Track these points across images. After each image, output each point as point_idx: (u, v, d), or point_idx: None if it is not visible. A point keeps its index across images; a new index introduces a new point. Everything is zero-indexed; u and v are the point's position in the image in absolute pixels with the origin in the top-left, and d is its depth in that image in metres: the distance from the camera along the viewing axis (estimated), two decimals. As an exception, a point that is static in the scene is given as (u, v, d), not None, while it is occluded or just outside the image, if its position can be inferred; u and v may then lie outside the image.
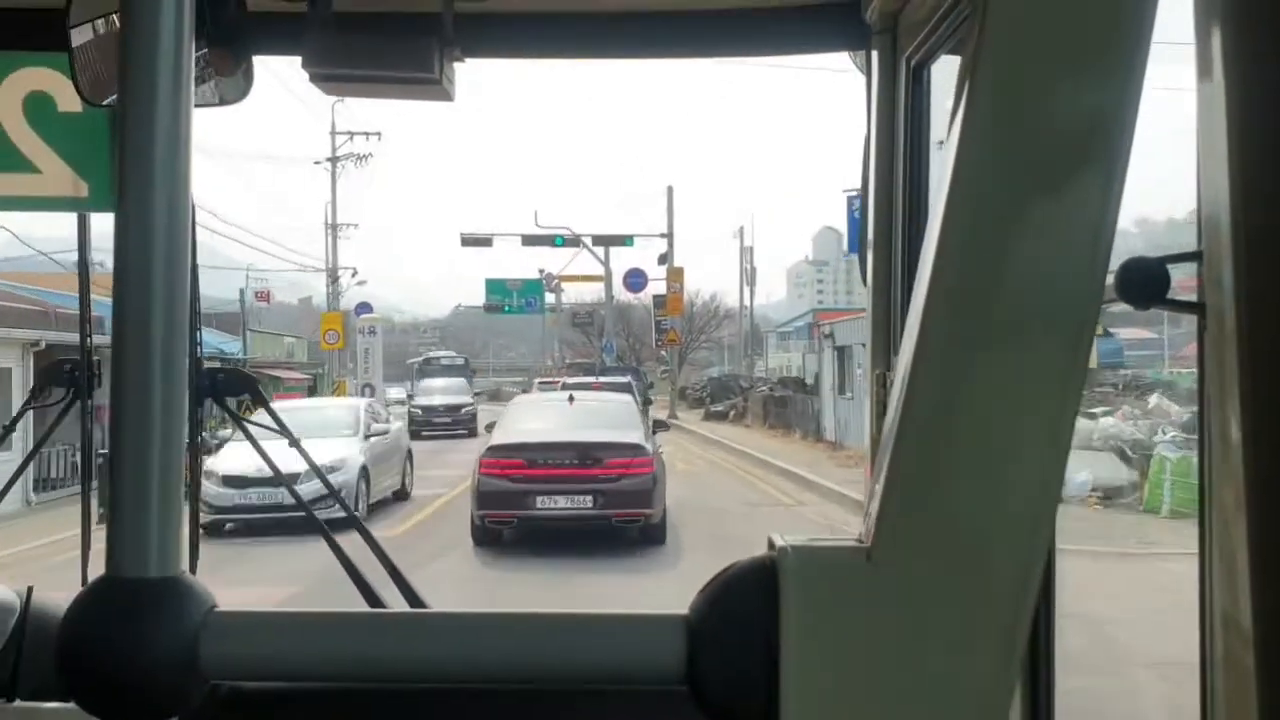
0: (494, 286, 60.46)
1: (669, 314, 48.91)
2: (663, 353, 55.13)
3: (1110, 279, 1.35)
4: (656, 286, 51.70)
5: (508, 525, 15.64)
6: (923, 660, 1.24)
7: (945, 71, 2.11)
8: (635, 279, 51.44)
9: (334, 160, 59.92)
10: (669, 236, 51.08)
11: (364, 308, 70.01)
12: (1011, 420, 1.24)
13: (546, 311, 69.87)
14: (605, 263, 55.38)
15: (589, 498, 15.34)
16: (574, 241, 48.96)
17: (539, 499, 15.28)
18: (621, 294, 67.49)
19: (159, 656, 1.30)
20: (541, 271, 67.31)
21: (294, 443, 2.69)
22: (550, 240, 48.22)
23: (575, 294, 77.81)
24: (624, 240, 49.67)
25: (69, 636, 1.31)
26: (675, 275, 48.84)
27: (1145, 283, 1.41)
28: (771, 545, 1.30)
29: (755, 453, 30.69)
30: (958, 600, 1.23)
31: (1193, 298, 1.44)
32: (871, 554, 1.24)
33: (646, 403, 41.42)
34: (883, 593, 1.24)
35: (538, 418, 17.22)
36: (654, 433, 18.60)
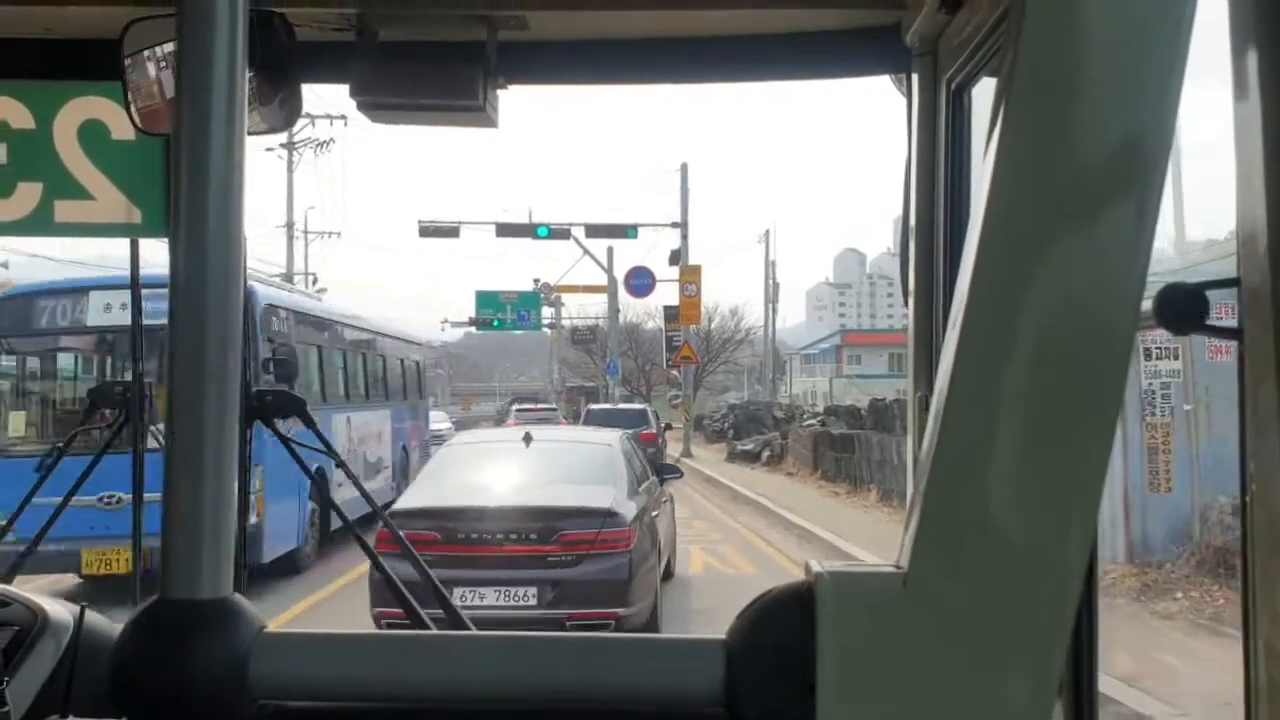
0: (485, 299, 54.55)
1: (684, 324, 36.27)
2: (674, 372, 42.78)
3: (1148, 305, 1.36)
4: (667, 293, 39.35)
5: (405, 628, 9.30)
6: (959, 685, 1.25)
7: (986, 94, 2.05)
8: (640, 280, 40.03)
9: (290, 146, 48.02)
10: (683, 226, 38.48)
11: (324, 320, 56.64)
12: (1048, 445, 1.25)
13: (542, 327, 63.29)
14: (609, 269, 44.88)
15: (532, 590, 9.98)
16: (563, 234, 36.54)
17: (458, 592, 9.52)
18: (629, 309, 55.95)
19: (210, 676, 1.34)
20: (537, 282, 60.78)
21: (340, 463, 2.72)
22: (532, 231, 35.68)
23: (578, 308, 67.00)
24: (625, 231, 37.24)
25: (124, 655, 1.36)
26: (691, 274, 36.74)
27: (1184, 308, 1.38)
28: (808, 571, 1.33)
29: (819, 529, 18.94)
30: (994, 625, 1.25)
31: (1232, 323, 1.44)
32: (908, 579, 1.25)
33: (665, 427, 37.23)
34: (919, 618, 1.25)
35: (474, 469, 11.70)
36: (661, 481, 13.48)
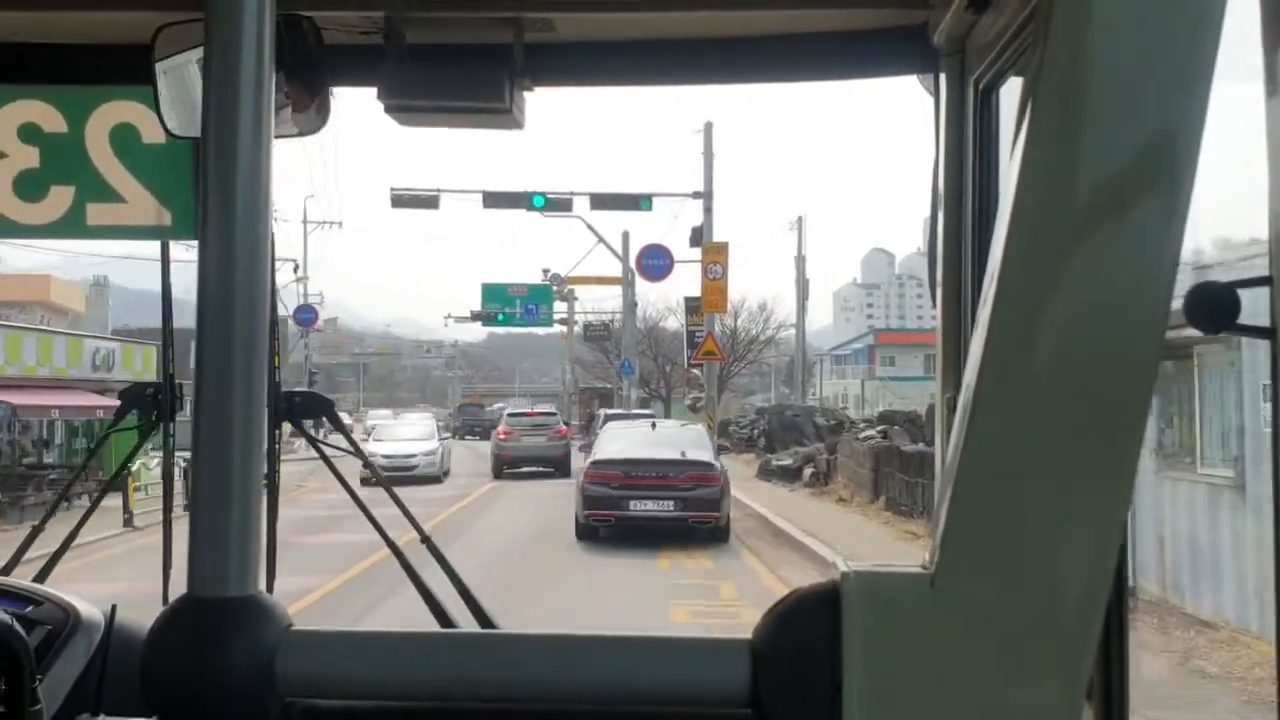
0: (491, 292, 49.59)
1: (708, 310, 29.71)
2: (696, 372, 36.01)
3: (1178, 304, 1.34)
4: (687, 280, 32.58)
5: (605, 523, 20.52)
6: (986, 686, 1.24)
7: (1014, 94, 2.05)
8: (655, 260, 34.39)
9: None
10: (706, 197, 31.42)
11: (306, 312, 50.01)
12: (1077, 446, 1.23)
13: (553, 323, 56.89)
14: (623, 257, 39.46)
15: (671, 503, 20.10)
16: (564, 204, 29.66)
17: (631, 502, 20.16)
18: (648, 305, 50.53)
19: (238, 674, 1.34)
20: (546, 273, 54.13)
21: (367, 463, 2.70)
22: (526, 200, 28.88)
23: (594, 303, 61.26)
24: (637, 203, 30.47)
25: (153, 653, 1.36)
26: (715, 253, 29.87)
27: (1215, 307, 1.36)
28: (834, 570, 1.32)
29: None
30: (1022, 627, 1.22)
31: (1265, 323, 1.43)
32: (935, 580, 1.24)
33: None
34: (946, 618, 1.24)
35: (628, 440, 22.19)
36: (719, 454, 23.98)
